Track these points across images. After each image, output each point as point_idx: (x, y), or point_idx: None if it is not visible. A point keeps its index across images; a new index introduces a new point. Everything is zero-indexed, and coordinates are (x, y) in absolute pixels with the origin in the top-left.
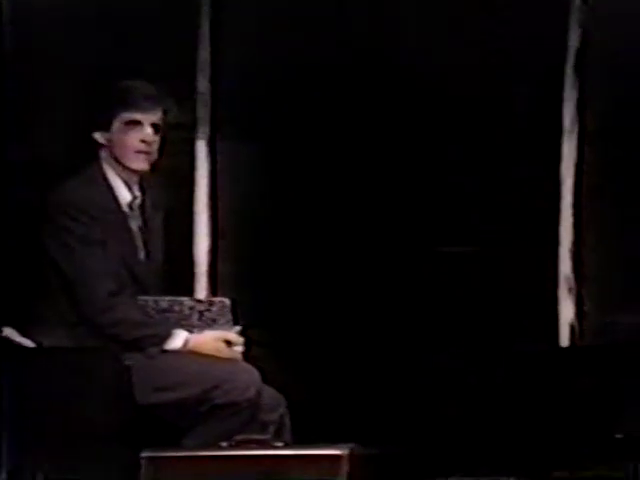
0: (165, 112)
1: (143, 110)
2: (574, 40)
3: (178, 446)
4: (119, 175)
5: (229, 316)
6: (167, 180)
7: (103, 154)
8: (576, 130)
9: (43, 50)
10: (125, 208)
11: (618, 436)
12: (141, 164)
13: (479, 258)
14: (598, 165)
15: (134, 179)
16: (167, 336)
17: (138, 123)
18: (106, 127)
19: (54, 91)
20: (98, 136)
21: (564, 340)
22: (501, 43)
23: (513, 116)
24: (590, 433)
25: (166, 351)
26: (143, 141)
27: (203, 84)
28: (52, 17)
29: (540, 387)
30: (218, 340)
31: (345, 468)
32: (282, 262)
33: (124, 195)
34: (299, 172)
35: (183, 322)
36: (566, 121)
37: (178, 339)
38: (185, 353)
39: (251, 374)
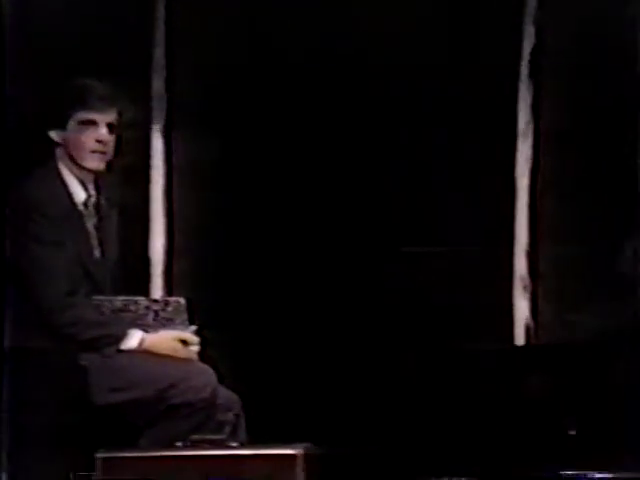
0: (120, 112)
1: (98, 110)
2: (528, 42)
3: (135, 446)
4: (74, 174)
5: (185, 316)
6: (122, 179)
7: (58, 153)
8: (531, 132)
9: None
10: (80, 207)
11: (571, 433)
12: (96, 163)
13: (438, 258)
14: (553, 166)
15: (89, 178)
16: (122, 336)
17: (93, 123)
18: (61, 126)
19: (8, 89)
20: (53, 135)
21: (519, 339)
22: (457, 44)
23: (469, 118)
24: (544, 430)
25: (122, 351)
26: (98, 141)
27: (158, 83)
28: (8, 15)
29: (495, 385)
30: (174, 340)
31: (300, 467)
32: (239, 262)
33: (79, 194)
34: (255, 170)
35: (138, 322)
36: (521, 123)
37: (133, 339)
38: (141, 353)
39: (207, 374)
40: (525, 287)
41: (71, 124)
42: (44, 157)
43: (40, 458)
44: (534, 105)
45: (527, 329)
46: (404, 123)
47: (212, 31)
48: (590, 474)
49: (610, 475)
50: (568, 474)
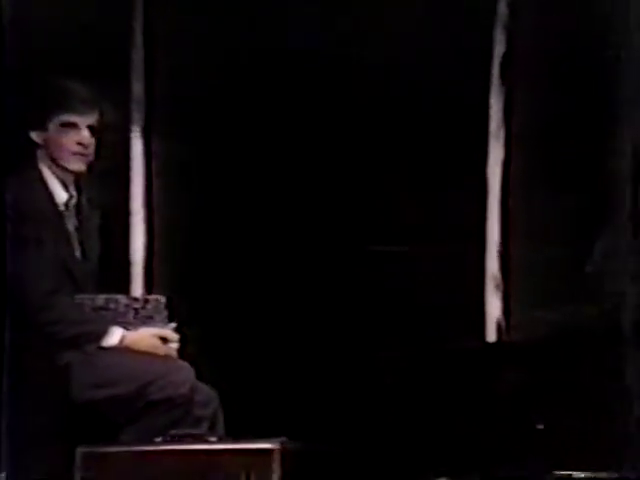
0: (102, 114)
1: (80, 113)
2: (500, 47)
3: (115, 441)
4: (55, 175)
5: (164, 313)
6: (103, 180)
7: (40, 154)
8: (502, 134)
9: None
10: (61, 207)
11: (539, 427)
12: (78, 165)
13: (410, 257)
14: (524, 168)
15: (70, 179)
16: (103, 333)
17: (75, 125)
18: (43, 127)
19: None
20: (35, 136)
21: (491, 336)
22: (430, 47)
23: (442, 120)
24: (514, 424)
25: (103, 348)
26: (80, 143)
27: (137, 87)
28: None
29: (468, 381)
30: (154, 337)
31: (276, 461)
32: (216, 261)
33: (60, 195)
34: (232, 172)
35: (119, 319)
36: (492, 125)
37: (114, 336)
38: (121, 350)
39: (186, 371)
40: (497, 286)
41: (52, 126)
42: (25, 158)
43: (21, 454)
44: (505, 108)
45: (499, 327)
46: (377, 123)
47: (190, 35)
48: (577, 474)
49: (593, 475)
50: (557, 474)
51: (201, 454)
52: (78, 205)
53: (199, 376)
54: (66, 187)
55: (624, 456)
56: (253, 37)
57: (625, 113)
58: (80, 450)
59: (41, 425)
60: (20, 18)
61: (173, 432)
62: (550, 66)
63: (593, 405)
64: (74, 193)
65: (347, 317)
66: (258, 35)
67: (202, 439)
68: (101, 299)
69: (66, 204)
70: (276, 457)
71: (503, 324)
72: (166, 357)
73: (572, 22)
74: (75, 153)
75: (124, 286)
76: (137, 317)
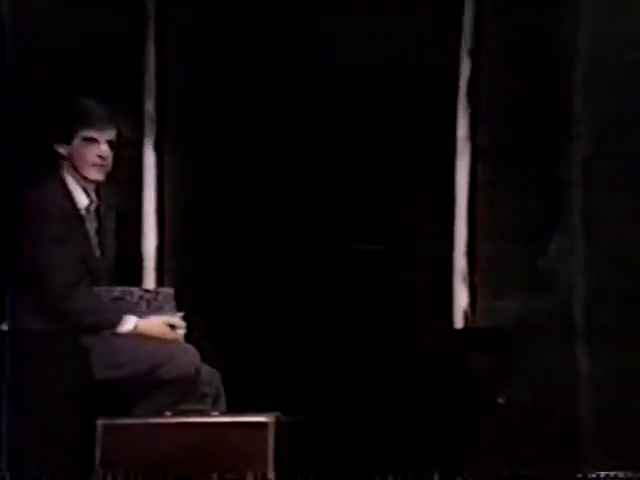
0: (119, 131)
1: (100, 129)
2: (466, 65)
3: (130, 415)
4: (78, 183)
5: (173, 304)
6: (120, 188)
7: (64, 164)
8: (468, 145)
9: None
10: (83, 212)
11: (500, 401)
12: (98, 175)
13: (387, 254)
14: (488, 175)
15: (91, 187)
16: (119, 321)
17: (95, 140)
18: (67, 141)
19: (18, 107)
20: (60, 148)
21: (458, 323)
22: (399, 66)
23: (416, 133)
24: (477, 401)
25: (119, 334)
26: (99, 156)
27: (149, 105)
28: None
29: (438, 362)
30: (163, 324)
31: (271, 433)
32: (218, 258)
33: (82, 200)
34: (230, 178)
35: (133, 309)
36: (460, 138)
37: (129, 323)
38: (135, 336)
39: (191, 353)
40: (464, 279)
41: (76, 140)
42: (50, 168)
43: (48, 426)
44: (471, 123)
45: (465, 315)
46: (356, 131)
47: (200, 53)
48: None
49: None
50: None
51: (205, 426)
52: (98, 209)
53: (203, 358)
54: (87, 193)
55: (578, 431)
56: (257, 54)
57: (576, 130)
58: (100, 422)
59: (65, 401)
60: (35, 38)
61: (181, 407)
62: (513, 84)
63: (548, 385)
64: (95, 199)
65: (332, 306)
66: (260, 51)
67: (206, 413)
68: (117, 291)
69: (87, 208)
70: (271, 429)
71: (469, 312)
72: (174, 342)
73: (535, 41)
74: (95, 164)
75: (137, 280)
76: (149, 307)
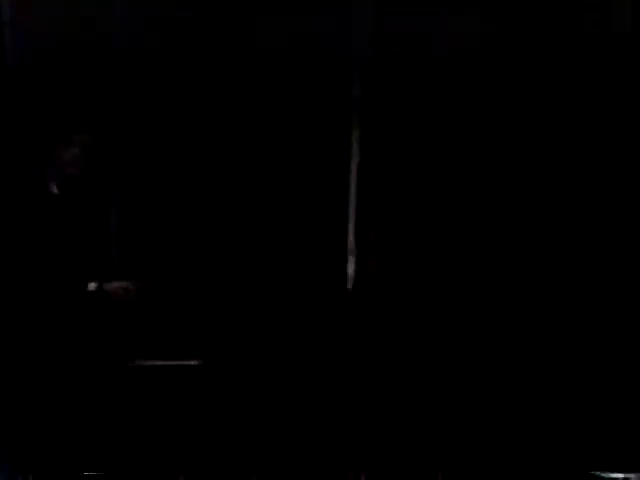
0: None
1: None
2: (357, 90)
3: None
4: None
5: None
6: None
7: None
8: (355, 167)
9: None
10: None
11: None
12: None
13: (294, 234)
14: (372, 173)
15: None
16: None
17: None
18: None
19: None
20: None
21: (349, 286)
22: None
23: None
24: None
25: None
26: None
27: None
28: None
29: (332, 320)
30: None
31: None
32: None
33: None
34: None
35: None
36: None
37: None
38: None
39: None
40: (351, 251)
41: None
42: None
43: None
44: (361, 145)
45: (354, 282)
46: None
47: None
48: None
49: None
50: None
51: None
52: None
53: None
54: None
55: None
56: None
57: None
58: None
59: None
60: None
61: None
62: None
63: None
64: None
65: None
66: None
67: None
68: None
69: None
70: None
71: (357, 280)
72: None
73: None
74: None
75: None
76: None
